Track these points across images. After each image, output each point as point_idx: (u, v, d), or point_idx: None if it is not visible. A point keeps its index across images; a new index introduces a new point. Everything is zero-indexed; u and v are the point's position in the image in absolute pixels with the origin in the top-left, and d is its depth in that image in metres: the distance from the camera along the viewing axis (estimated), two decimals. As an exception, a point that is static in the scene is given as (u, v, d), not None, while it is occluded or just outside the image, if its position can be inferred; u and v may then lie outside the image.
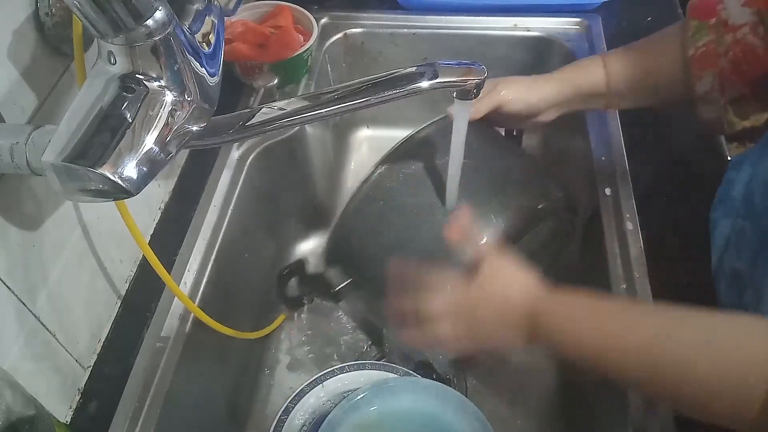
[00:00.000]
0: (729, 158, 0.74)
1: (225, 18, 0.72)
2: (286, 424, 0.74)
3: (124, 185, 0.39)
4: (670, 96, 0.68)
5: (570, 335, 0.51)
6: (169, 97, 0.43)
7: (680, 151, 0.80)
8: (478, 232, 0.64)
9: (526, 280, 0.55)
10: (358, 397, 0.71)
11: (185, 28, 0.45)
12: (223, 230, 0.74)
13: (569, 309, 0.52)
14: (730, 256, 0.62)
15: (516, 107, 0.72)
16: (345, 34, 0.97)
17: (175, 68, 0.43)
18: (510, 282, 0.55)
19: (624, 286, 0.66)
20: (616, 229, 0.71)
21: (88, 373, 0.62)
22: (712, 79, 0.63)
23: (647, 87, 0.69)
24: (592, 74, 0.71)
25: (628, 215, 0.71)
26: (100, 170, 0.39)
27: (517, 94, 0.71)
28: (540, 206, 0.69)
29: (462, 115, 0.59)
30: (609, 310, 0.51)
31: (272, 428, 0.74)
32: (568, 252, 0.79)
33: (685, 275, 0.67)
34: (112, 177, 0.39)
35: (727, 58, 0.62)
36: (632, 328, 0.48)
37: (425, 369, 0.79)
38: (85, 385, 0.62)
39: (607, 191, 0.74)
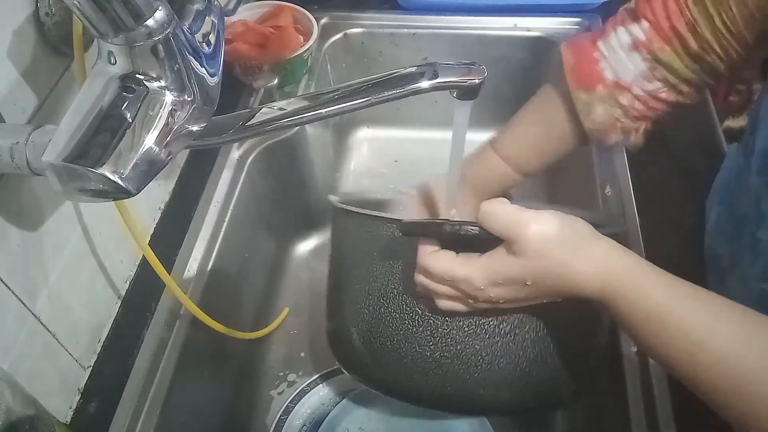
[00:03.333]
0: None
1: (225, 18, 0.72)
2: (286, 424, 0.75)
3: (124, 185, 0.39)
4: (571, 150, 0.66)
5: (645, 332, 0.43)
6: (169, 97, 0.43)
7: (680, 151, 0.80)
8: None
9: (594, 248, 0.44)
10: (358, 397, 0.71)
11: (185, 28, 0.45)
12: (223, 230, 0.74)
13: (638, 276, 0.43)
14: (713, 241, 0.63)
15: None
16: (345, 34, 0.97)
17: (175, 68, 0.43)
18: (572, 251, 0.44)
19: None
20: (616, 229, 0.71)
21: (88, 373, 0.62)
22: (617, 136, 0.61)
23: (549, 153, 0.67)
24: (492, 168, 0.68)
25: (628, 215, 0.71)
26: (100, 170, 0.39)
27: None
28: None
29: (462, 115, 0.59)
30: (672, 284, 0.43)
31: (272, 428, 0.74)
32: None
33: (686, 275, 0.67)
34: (112, 177, 0.39)
35: (628, 115, 0.59)
36: (716, 335, 0.40)
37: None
38: (85, 385, 0.62)
39: (607, 191, 0.74)
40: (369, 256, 0.58)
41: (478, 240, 0.46)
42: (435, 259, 0.48)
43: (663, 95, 0.58)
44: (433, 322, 0.54)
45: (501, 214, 0.45)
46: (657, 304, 0.42)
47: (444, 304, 0.50)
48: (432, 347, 0.54)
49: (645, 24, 0.56)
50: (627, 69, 0.57)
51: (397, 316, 0.56)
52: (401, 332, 0.55)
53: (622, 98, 0.58)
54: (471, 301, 0.48)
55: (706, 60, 0.55)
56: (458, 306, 0.50)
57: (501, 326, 0.53)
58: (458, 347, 0.54)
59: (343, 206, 0.61)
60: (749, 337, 0.39)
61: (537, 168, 0.68)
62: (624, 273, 0.43)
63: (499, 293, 0.47)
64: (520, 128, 0.67)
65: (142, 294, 0.68)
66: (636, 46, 0.56)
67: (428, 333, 0.54)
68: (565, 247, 0.44)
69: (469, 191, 0.68)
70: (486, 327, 0.53)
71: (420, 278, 0.50)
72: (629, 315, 0.43)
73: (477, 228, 0.46)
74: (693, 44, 0.54)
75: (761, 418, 0.38)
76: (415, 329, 0.55)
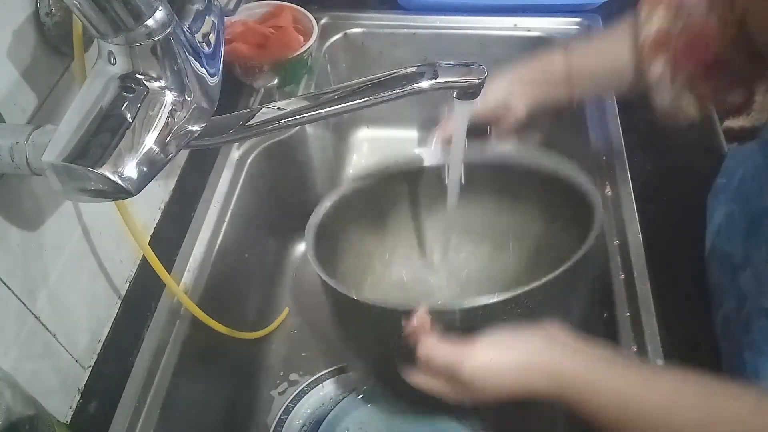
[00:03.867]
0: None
1: (225, 18, 0.72)
2: (286, 424, 0.75)
3: (124, 185, 0.39)
4: (626, 84, 0.69)
5: (590, 399, 0.48)
6: (169, 97, 0.43)
7: (680, 150, 0.80)
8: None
9: (542, 362, 0.50)
10: (358, 397, 0.71)
11: (185, 28, 0.45)
12: (223, 230, 0.74)
13: (589, 375, 0.48)
14: (721, 239, 0.63)
15: (495, 114, 0.71)
16: (345, 34, 0.97)
17: (175, 68, 0.43)
18: (518, 375, 0.50)
19: (624, 289, 0.66)
20: (616, 228, 0.71)
21: (88, 373, 0.62)
22: (664, 62, 0.63)
23: (605, 75, 0.70)
24: (555, 66, 0.71)
25: (628, 215, 0.71)
26: (100, 170, 0.39)
27: (497, 101, 0.71)
28: None
29: (462, 115, 0.59)
30: (625, 374, 0.48)
31: (272, 428, 0.74)
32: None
33: (685, 274, 0.67)
34: (112, 177, 0.39)
35: (681, 38, 0.61)
36: (649, 392, 0.46)
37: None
38: (85, 385, 0.62)
39: (607, 191, 0.74)
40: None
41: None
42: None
43: (713, 32, 0.59)
44: None
45: (439, 357, 0.51)
46: (614, 398, 0.47)
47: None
48: None
49: None
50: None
51: None
52: None
53: (682, 15, 0.61)
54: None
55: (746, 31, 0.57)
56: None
57: None
58: None
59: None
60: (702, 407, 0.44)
61: (588, 90, 0.73)
62: (575, 377, 0.48)
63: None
64: (592, 42, 0.73)
65: (142, 294, 0.68)
66: None
67: None
68: (508, 374, 0.49)
69: (519, 81, 0.72)
70: None
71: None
72: (592, 413, 0.47)
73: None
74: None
75: None
76: None
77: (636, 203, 0.72)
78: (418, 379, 0.54)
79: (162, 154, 0.42)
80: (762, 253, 0.57)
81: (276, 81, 0.84)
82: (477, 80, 0.54)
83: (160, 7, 0.41)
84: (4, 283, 0.51)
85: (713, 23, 0.59)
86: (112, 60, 0.42)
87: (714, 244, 0.65)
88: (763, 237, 0.57)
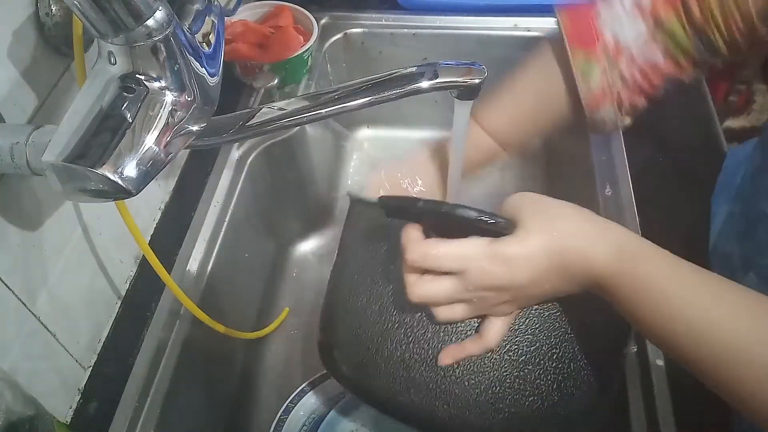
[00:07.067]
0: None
1: (225, 18, 0.72)
2: (286, 424, 0.75)
3: (124, 185, 0.39)
4: (562, 125, 0.63)
5: (638, 314, 0.43)
6: (169, 97, 0.43)
7: (680, 150, 0.80)
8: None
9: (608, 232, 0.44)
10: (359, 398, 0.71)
11: (185, 28, 0.45)
12: (223, 230, 0.74)
13: (642, 285, 0.43)
14: (722, 240, 0.63)
15: None
16: (345, 34, 0.97)
17: (175, 68, 0.43)
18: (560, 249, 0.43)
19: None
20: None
21: (88, 373, 0.62)
22: (610, 106, 0.58)
23: (537, 127, 0.64)
24: (477, 143, 0.63)
25: (628, 215, 0.71)
26: (100, 170, 0.39)
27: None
28: None
29: (462, 116, 0.59)
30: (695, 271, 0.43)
31: (272, 428, 0.74)
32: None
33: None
34: (112, 177, 0.39)
35: (625, 83, 0.57)
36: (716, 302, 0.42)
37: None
38: (85, 385, 0.62)
39: (607, 191, 0.74)
40: (376, 259, 0.54)
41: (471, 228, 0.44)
42: (436, 245, 0.45)
43: (661, 65, 0.56)
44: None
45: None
46: (661, 283, 0.42)
47: (443, 312, 0.47)
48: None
49: None
50: (627, 30, 0.55)
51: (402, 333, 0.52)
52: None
53: (622, 63, 0.56)
54: (472, 294, 0.45)
55: (708, 35, 0.53)
56: (457, 311, 0.47)
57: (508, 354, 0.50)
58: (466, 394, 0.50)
59: (360, 197, 0.57)
60: (743, 314, 0.40)
61: (524, 144, 0.65)
62: (638, 250, 0.43)
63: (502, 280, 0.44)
64: (510, 98, 0.63)
65: (142, 294, 0.68)
66: (639, 7, 0.54)
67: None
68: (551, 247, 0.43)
69: (444, 168, 0.62)
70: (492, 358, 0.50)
71: (412, 279, 0.47)
72: (643, 303, 0.42)
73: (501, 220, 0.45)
74: (697, 13, 0.53)
75: (756, 390, 0.38)
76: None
77: (636, 203, 0.72)
78: (420, 287, 0.46)
79: (162, 154, 0.42)
80: (765, 254, 0.56)
81: (276, 81, 0.84)
82: (477, 80, 0.54)
83: (160, 7, 0.41)
84: (4, 283, 0.51)
85: (659, 53, 0.55)
86: (112, 60, 0.42)
87: (715, 244, 0.65)
88: (763, 238, 0.56)
